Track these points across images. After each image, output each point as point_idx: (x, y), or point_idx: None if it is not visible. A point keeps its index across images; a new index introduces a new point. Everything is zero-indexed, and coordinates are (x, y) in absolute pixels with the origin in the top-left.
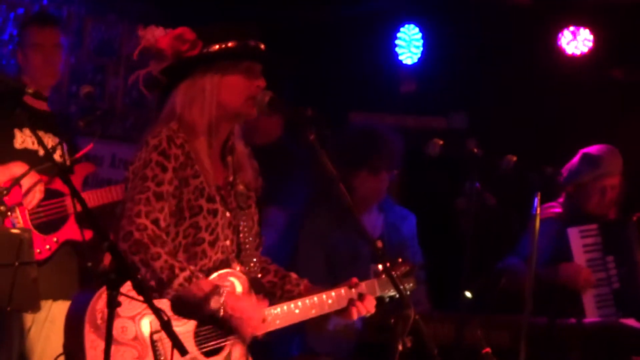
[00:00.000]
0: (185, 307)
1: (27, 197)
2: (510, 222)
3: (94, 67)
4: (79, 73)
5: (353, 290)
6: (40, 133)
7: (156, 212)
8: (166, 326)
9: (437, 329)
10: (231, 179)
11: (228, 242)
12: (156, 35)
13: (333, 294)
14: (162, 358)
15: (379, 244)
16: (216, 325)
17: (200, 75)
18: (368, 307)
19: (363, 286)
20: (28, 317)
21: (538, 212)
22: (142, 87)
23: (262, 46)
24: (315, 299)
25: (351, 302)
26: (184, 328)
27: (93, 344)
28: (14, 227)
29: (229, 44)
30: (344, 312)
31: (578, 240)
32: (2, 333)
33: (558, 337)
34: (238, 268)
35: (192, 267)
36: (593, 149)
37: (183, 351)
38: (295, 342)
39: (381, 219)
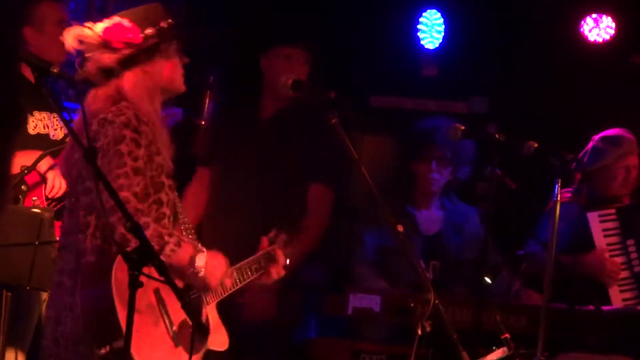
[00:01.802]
0: (175, 270)
1: (53, 185)
2: (530, 207)
3: None
4: None
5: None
6: (48, 114)
7: (135, 186)
8: (187, 306)
9: (456, 314)
10: None
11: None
12: (86, 31)
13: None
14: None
15: (400, 228)
16: (195, 285)
17: (146, 61)
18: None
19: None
20: (43, 293)
21: (559, 198)
22: (93, 79)
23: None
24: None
25: (270, 263)
26: None
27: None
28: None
29: (163, 25)
30: (265, 274)
31: (597, 224)
32: (21, 310)
33: (576, 323)
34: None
35: (176, 232)
36: (609, 132)
37: (205, 331)
38: (312, 325)
39: (441, 215)
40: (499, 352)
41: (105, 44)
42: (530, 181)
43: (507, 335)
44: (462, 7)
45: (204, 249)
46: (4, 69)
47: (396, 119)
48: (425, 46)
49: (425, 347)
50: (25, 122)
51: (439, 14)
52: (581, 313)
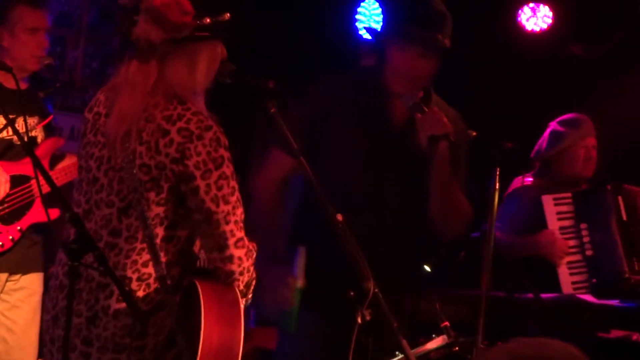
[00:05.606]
0: None
1: None
2: (471, 196)
3: (54, 39)
4: None
5: None
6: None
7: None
8: (127, 297)
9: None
10: None
11: None
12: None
13: None
14: None
15: (339, 216)
16: None
17: (202, 45)
18: None
19: None
20: None
21: (497, 187)
22: (135, 48)
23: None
24: None
25: None
26: None
27: None
28: None
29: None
30: None
31: (552, 207)
32: None
33: (516, 311)
34: None
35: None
36: (566, 116)
37: (142, 320)
38: (251, 315)
39: None
40: (439, 340)
41: (158, 18)
42: (472, 171)
43: (447, 323)
44: None
45: None
46: None
47: None
48: (364, 36)
49: (365, 335)
50: None
51: (377, 4)
52: (520, 301)
